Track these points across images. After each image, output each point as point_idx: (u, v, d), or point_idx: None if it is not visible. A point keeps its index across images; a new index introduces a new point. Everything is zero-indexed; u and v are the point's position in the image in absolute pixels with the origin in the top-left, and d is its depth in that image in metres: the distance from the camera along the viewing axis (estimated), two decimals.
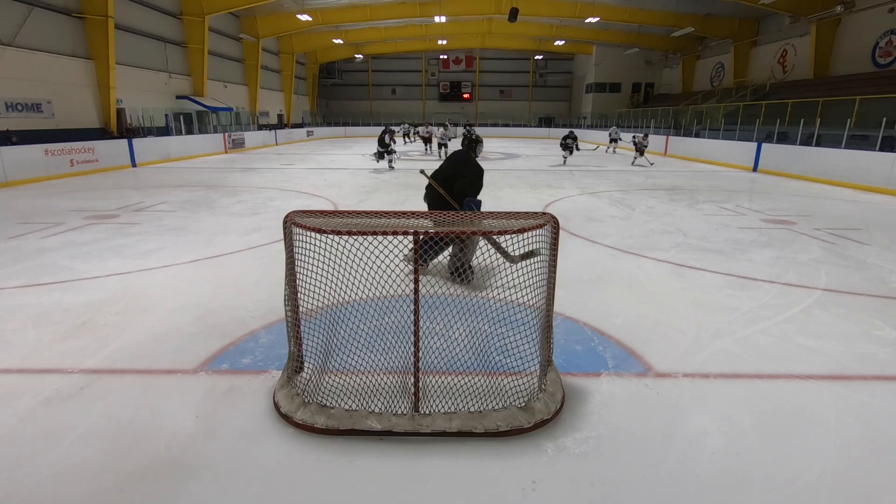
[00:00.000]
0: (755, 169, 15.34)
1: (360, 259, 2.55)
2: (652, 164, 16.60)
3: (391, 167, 14.63)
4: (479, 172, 4.72)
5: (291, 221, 2.59)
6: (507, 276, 2.67)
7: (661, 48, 32.21)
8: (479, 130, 36.13)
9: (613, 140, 22.29)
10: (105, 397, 2.74)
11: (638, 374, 3.03)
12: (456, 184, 4.57)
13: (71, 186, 11.01)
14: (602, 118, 34.46)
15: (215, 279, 4.78)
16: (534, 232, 2.54)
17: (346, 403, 2.59)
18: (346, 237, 2.35)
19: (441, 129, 17.81)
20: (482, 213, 2.86)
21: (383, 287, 2.72)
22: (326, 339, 2.95)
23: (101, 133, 16.06)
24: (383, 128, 18.45)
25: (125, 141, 15.15)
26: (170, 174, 13.56)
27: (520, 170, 15.04)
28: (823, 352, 3.33)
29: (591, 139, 30.63)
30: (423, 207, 5.22)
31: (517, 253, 2.98)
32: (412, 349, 2.57)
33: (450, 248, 4.76)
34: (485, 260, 4.85)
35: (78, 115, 15.63)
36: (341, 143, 28.74)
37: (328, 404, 2.56)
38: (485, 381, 2.82)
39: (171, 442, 2.36)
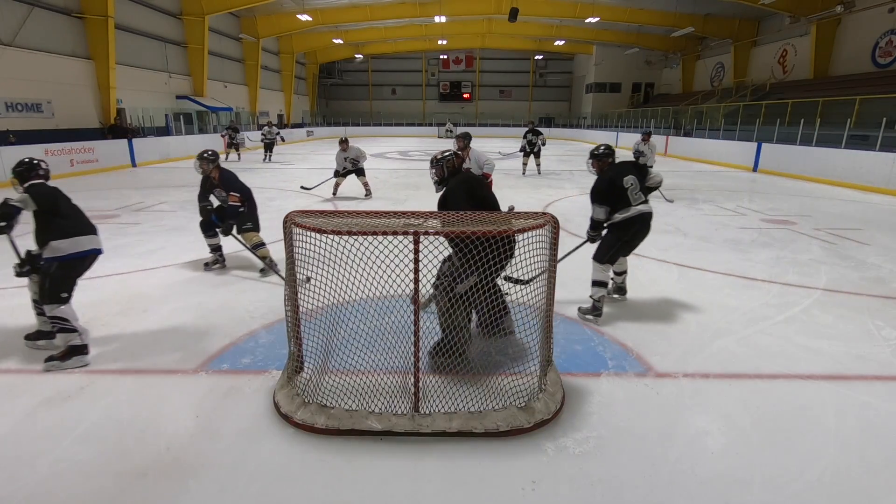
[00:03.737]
0: (755, 169, 15.33)
1: (360, 259, 2.55)
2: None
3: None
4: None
5: (291, 221, 2.59)
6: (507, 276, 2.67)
7: (661, 48, 32.18)
8: (478, 130, 36.19)
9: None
10: (105, 397, 2.74)
11: (638, 374, 3.03)
12: None
13: (71, 186, 10.98)
14: (602, 118, 34.44)
15: (215, 279, 4.78)
16: (534, 232, 2.54)
17: (346, 403, 2.59)
18: (346, 237, 2.35)
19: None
20: (482, 213, 2.85)
21: (383, 287, 2.72)
22: (326, 339, 2.95)
23: (103, 133, 16.05)
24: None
25: (125, 141, 15.13)
26: (170, 174, 13.55)
27: (520, 170, 15.02)
28: (823, 352, 3.33)
29: (592, 139, 30.62)
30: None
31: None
32: (412, 349, 2.57)
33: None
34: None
35: (78, 115, 15.62)
36: None
37: (328, 404, 2.56)
38: (485, 381, 2.82)
39: (171, 442, 2.36)
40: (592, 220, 3.93)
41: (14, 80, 13.56)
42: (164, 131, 19.06)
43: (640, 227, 3.83)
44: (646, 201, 3.87)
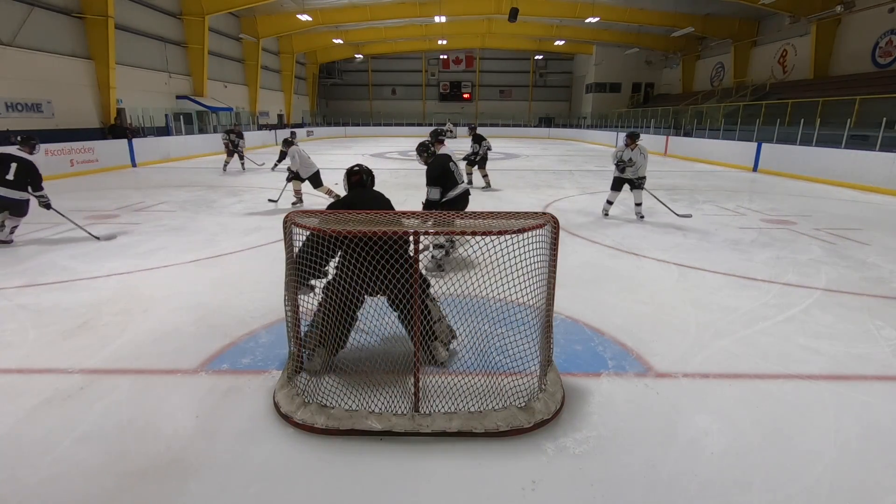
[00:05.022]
0: (755, 169, 15.33)
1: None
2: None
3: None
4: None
5: (291, 221, 2.59)
6: (506, 275, 2.66)
7: (661, 48, 32.19)
8: (478, 131, 36.09)
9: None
10: (105, 397, 2.74)
11: (638, 374, 3.03)
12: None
13: (71, 186, 11.00)
14: (602, 118, 34.45)
15: (215, 279, 4.78)
16: (534, 231, 2.54)
17: (346, 403, 2.59)
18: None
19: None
20: (481, 213, 2.84)
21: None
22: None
23: (103, 133, 16.04)
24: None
25: (125, 141, 15.13)
26: (170, 174, 13.55)
27: (520, 170, 15.05)
28: (823, 352, 3.33)
29: (592, 139, 30.63)
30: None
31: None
32: (412, 349, 2.57)
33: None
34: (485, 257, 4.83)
35: (78, 115, 15.62)
36: (341, 143, 28.74)
37: (328, 404, 2.56)
38: (485, 381, 2.82)
39: (171, 442, 2.36)
40: (429, 200, 4.86)
41: (14, 80, 13.55)
42: (164, 131, 19.05)
43: (464, 201, 5.08)
44: (464, 181, 5.10)
